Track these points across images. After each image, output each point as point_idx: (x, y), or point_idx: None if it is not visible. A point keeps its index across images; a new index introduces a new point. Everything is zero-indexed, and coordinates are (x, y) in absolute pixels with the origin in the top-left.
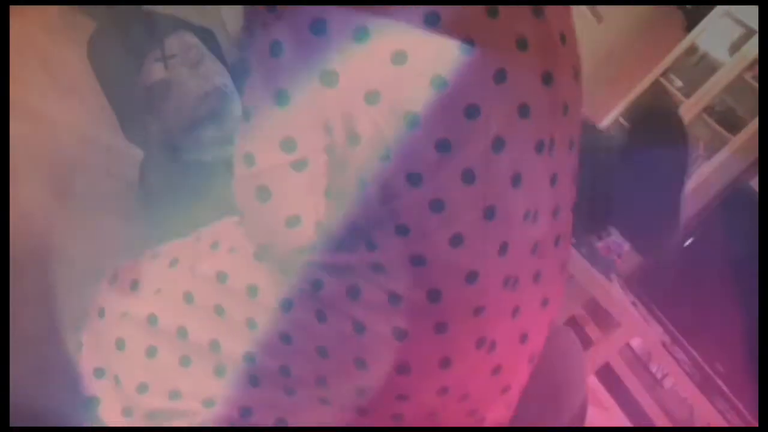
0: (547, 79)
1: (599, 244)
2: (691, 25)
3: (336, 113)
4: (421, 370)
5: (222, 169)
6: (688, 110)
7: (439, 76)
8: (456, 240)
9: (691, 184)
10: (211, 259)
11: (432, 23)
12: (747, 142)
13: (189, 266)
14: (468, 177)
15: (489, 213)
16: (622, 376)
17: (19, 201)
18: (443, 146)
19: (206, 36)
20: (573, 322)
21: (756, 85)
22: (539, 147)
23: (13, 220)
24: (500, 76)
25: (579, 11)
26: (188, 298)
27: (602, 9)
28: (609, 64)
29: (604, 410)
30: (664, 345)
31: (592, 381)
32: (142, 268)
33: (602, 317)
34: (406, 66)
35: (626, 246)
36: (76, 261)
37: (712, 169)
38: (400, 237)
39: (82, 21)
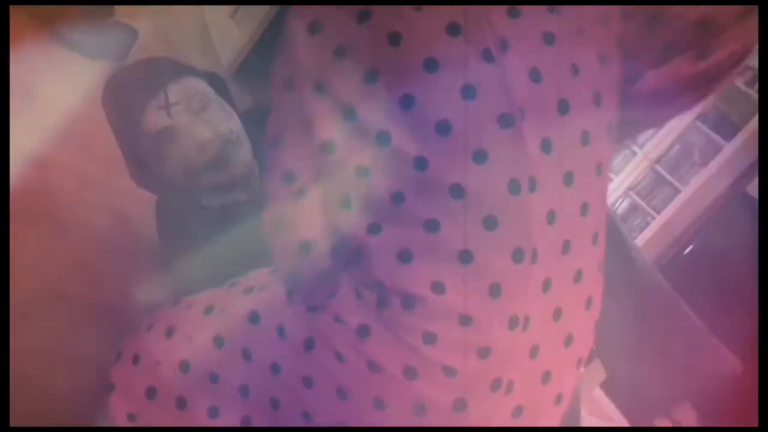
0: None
1: None
2: None
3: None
4: (435, 412)
5: (235, 212)
6: (682, 118)
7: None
8: (438, 287)
9: (687, 193)
10: (244, 301)
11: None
12: (741, 149)
13: (222, 309)
14: (432, 226)
15: (464, 256)
16: None
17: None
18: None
19: (214, 80)
20: None
21: (749, 91)
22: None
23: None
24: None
25: None
26: (219, 342)
27: None
28: None
29: (610, 422)
30: None
31: (598, 393)
32: (178, 316)
33: None
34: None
35: None
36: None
37: (708, 177)
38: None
39: (72, 58)
